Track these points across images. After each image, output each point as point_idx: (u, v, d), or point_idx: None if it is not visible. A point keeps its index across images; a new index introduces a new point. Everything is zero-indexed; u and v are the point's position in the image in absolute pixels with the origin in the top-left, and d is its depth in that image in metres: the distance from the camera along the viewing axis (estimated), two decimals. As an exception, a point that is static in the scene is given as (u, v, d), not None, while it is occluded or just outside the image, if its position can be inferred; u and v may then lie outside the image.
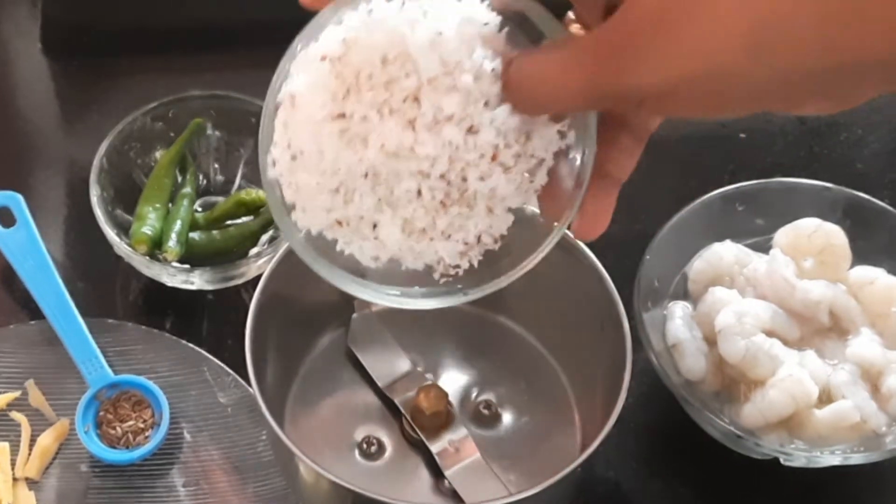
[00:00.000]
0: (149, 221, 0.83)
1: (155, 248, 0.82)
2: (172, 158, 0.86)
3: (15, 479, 0.75)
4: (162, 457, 0.77)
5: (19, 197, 0.84)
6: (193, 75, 0.97)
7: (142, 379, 0.78)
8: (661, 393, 0.75)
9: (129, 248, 0.81)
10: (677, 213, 0.80)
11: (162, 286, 0.83)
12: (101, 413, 0.78)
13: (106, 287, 0.85)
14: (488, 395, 0.76)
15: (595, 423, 0.74)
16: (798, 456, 0.73)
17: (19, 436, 0.77)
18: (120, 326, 0.81)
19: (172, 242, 0.82)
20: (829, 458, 0.73)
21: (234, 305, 0.82)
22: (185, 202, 0.85)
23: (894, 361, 0.75)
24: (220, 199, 0.87)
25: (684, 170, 0.92)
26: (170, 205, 0.85)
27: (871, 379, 0.75)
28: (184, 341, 0.80)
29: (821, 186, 0.82)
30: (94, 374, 0.78)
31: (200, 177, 0.88)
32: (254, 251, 0.84)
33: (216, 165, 0.89)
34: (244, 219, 0.86)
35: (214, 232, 0.85)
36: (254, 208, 0.86)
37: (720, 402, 0.76)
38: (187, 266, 0.82)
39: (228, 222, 0.86)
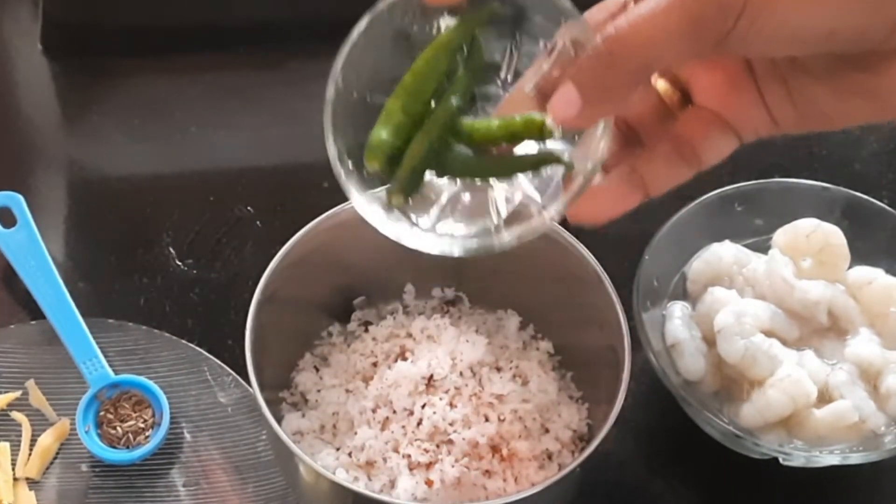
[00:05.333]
0: (388, 127, 0.55)
1: (392, 166, 0.56)
2: (456, 38, 0.56)
3: (15, 479, 0.76)
4: (162, 457, 0.77)
5: (20, 197, 0.84)
6: (193, 75, 0.97)
7: (142, 379, 0.78)
8: (661, 393, 0.75)
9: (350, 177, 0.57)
10: (676, 213, 0.80)
11: (162, 284, 0.83)
12: (102, 413, 0.78)
13: (106, 287, 0.85)
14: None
15: (595, 423, 0.74)
16: (797, 456, 0.73)
17: (20, 436, 0.77)
18: (120, 326, 0.81)
19: (398, 182, 0.56)
20: (828, 458, 0.73)
21: (235, 305, 0.83)
22: (448, 111, 0.56)
23: (893, 361, 0.75)
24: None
25: (683, 170, 0.92)
26: (433, 104, 0.56)
27: (870, 379, 0.75)
28: (184, 341, 0.80)
29: (819, 187, 0.82)
30: (94, 373, 0.78)
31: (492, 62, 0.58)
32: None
33: (507, 71, 0.59)
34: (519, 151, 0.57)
35: (474, 157, 0.57)
36: (532, 136, 0.56)
37: (719, 402, 0.76)
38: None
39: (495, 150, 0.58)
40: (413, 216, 0.57)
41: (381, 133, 0.56)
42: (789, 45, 0.52)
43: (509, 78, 0.59)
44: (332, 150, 0.57)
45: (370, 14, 0.56)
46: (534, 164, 0.58)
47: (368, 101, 0.57)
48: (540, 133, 0.56)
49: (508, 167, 0.58)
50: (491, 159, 0.58)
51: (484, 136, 0.57)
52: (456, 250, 0.56)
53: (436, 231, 0.57)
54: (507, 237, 0.56)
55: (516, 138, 0.57)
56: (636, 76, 0.51)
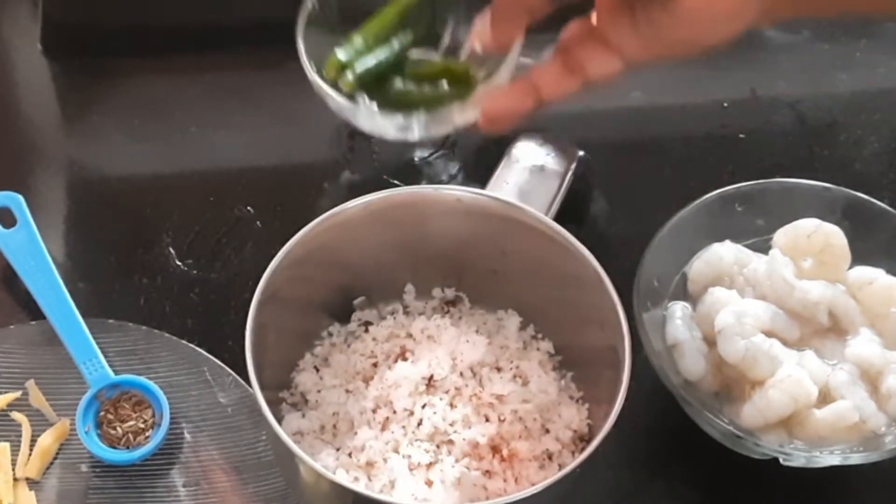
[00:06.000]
0: (350, 48, 0.83)
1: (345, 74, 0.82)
2: (411, 1, 0.85)
3: (15, 479, 0.76)
4: (162, 457, 0.77)
5: (20, 197, 0.84)
6: (193, 75, 0.97)
7: (142, 379, 0.78)
8: (661, 393, 0.75)
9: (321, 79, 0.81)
10: (677, 213, 0.80)
11: (162, 284, 0.83)
12: (102, 413, 0.78)
13: (106, 287, 0.85)
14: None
15: (595, 423, 0.74)
16: (797, 456, 0.73)
17: (20, 436, 0.77)
18: (120, 326, 0.81)
19: (351, 74, 0.82)
20: (829, 458, 0.73)
21: (235, 305, 0.83)
22: (397, 45, 0.84)
23: (893, 362, 0.75)
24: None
25: (684, 170, 0.92)
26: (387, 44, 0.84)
27: (871, 379, 0.75)
28: (184, 341, 0.80)
29: (820, 187, 0.82)
30: (94, 374, 0.78)
31: (434, 33, 0.86)
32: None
33: (452, 28, 0.86)
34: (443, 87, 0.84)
35: (410, 85, 0.84)
36: (458, 81, 0.84)
37: (719, 403, 0.76)
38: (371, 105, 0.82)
39: (430, 85, 0.84)
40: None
41: (341, 53, 0.83)
42: None
43: (446, 42, 0.86)
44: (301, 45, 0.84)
45: None
46: (450, 100, 0.83)
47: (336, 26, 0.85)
48: (465, 75, 0.83)
49: (433, 100, 0.83)
50: (418, 92, 0.84)
51: (412, 71, 0.84)
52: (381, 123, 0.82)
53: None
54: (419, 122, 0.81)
55: (447, 75, 0.84)
56: (514, 6, 0.71)
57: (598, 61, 0.72)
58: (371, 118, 0.83)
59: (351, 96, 0.83)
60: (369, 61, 0.83)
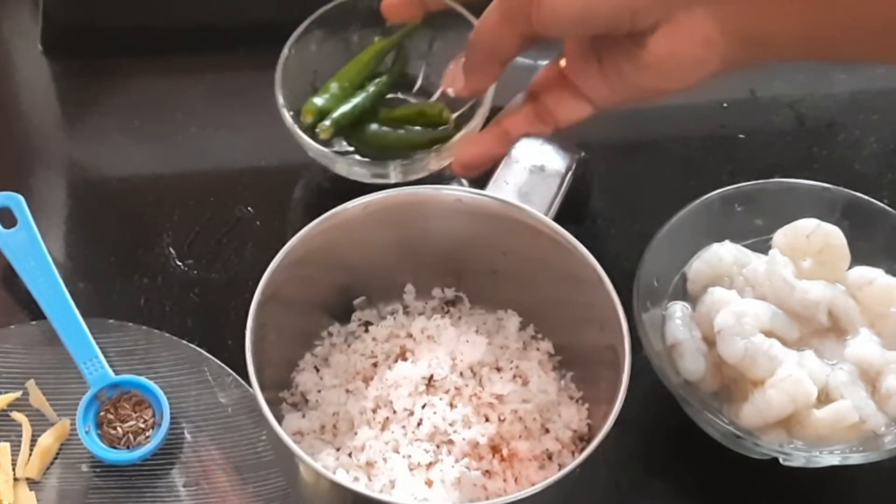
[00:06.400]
0: (326, 94, 0.85)
1: (322, 120, 0.84)
2: (384, 47, 0.87)
3: (16, 480, 0.76)
4: (162, 457, 0.77)
5: (20, 197, 0.84)
6: (194, 75, 0.97)
7: (142, 379, 0.78)
8: (661, 393, 0.75)
9: (295, 123, 0.83)
10: (676, 213, 0.80)
11: (162, 284, 0.83)
12: (102, 413, 0.78)
13: (106, 287, 0.85)
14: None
15: (594, 423, 0.74)
16: (797, 456, 0.73)
17: (20, 436, 0.77)
18: (120, 326, 0.81)
19: (328, 120, 0.83)
20: (828, 458, 0.73)
21: (235, 305, 0.83)
22: (372, 90, 0.86)
23: (893, 362, 0.75)
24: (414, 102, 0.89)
25: (684, 170, 0.92)
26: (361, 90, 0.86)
27: (870, 379, 0.75)
28: (184, 341, 0.81)
29: (820, 187, 0.82)
30: (94, 374, 0.78)
31: (407, 76, 0.89)
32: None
33: (425, 71, 0.89)
34: (418, 129, 0.87)
35: (386, 129, 0.86)
36: (432, 122, 0.86)
37: (719, 403, 0.76)
38: (350, 150, 0.85)
39: (407, 127, 0.87)
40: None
41: (318, 99, 0.85)
42: (565, 28, 0.71)
43: (419, 84, 0.89)
44: (279, 95, 0.84)
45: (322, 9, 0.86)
46: (427, 143, 0.85)
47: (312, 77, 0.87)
48: (439, 116, 0.86)
49: (408, 143, 0.86)
50: (394, 136, 0.86)
51: (386, 115, 0.86)
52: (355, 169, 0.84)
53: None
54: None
55: (421, 118, 0.86)
56: (487, 56, 0.75)
57: (567, 108, 0.76)
58: (349, 166, 0.84)
59: (328, 142, 0.84)
60: (345, 107, 0.85)
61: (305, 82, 0.87)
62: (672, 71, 0.70)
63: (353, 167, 0.84)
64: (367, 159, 0.86)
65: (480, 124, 0.83)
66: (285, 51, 0.85)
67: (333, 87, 0.85)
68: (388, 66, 0.88)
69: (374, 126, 0.86)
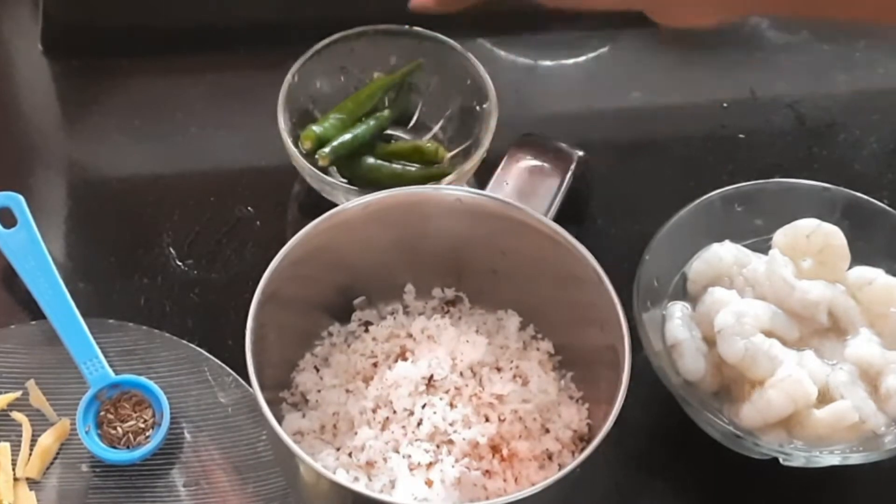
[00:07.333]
0: (326, 123, 0.86)
1: (321, 148, 0.85)
2: (387, 84, 0.89)
3: (16, 479, 0.76)
4: (162, 457, 0.77)
5: (20, 197, 0.84)
6: (194, 75, 0.97)
7: (142, 379, 0.78)
8: (661, 393, 0.75)
9: (297, 149, 0.84)
10: (677, 213, 0.80)
11: (162, 284, 0.83)
12: (102, 413, 0.78)
13: (106, 287, 0.85)
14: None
15: (595, 423, 0.74)
16: (797, 456, 0.73)
17: (20, 436, 0.77)
18: (120, 326, 0.81)
19: (328, 147, 0.84)
20: (828, 458, 0.73)
21: (235, 305, 0.83)
22: (372, 123, 0.87)
23: (893, 362, 0.75)
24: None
25: (684, 170, 0.92)
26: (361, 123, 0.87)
27: (870, 379, 0.75)
28: (184, 341, 0.80)
29: (820, 187, 0.82)
30: (94, 374, 0.78)
31: (406, 111, 0.90)
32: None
33: (423, 108, 0.91)
34: (415, 166, 0.88)
35: (381, 163, 0.87)
36: (427, 160, 0.87)
37: (719, 403, 0.76)
38: (347, 183, 0.85)
39: (402, 163, 0.87)
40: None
41: (317, 127, 0.86)
42: None
43: (414, 121, 0.90)
44: (281, 119, 0.85)
45: (327, 41, 0.87)
46: (421, 180, 0.84)
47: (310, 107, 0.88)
48: (434, 155, 0.87)
49: (402, 179, 0.85)
50: (389, 170, 0.86)
51: (383, 150, 0.88)
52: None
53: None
54: None
55: (416, 156, 0.87)
56: None
57: None
58: (345, 194, 0.83)
59: (325, 170, 0.85)
60: (345, 137, 0.86)
61: (304, 111, 0.88)
62: None
63: (349, 195, 0.83)
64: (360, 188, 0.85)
65: (477, 164, 0.84)
66: (289, 77, 0.86)
67: (333, 117, 0.87)
68: (390, 101, 0.89)
69: (370, 159, 0.87)
